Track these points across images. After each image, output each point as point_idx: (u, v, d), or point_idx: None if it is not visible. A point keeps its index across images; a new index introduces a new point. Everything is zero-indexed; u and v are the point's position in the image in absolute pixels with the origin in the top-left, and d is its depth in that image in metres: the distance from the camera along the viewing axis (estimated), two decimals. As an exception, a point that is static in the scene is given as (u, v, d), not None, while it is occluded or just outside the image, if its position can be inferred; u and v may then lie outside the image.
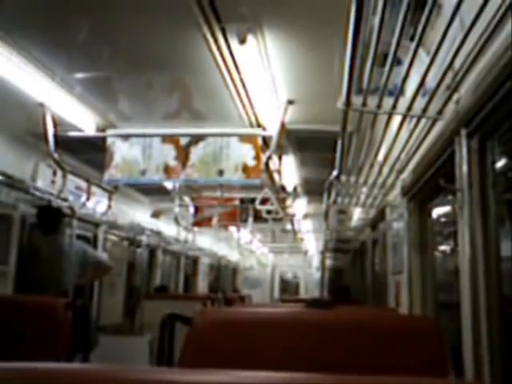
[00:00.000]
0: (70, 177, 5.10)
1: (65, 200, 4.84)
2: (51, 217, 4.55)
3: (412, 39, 1.78)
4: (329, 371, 0.74)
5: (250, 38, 2.72)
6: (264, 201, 6.16)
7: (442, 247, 3.47)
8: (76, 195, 5.45)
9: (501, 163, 2.12)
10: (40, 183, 4.76)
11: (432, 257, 3.32)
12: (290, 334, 1.54)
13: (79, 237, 5.17)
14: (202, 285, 11.56)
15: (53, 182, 4.94)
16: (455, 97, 2.04)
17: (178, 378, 0.75)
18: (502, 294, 1.96)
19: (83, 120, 4.01)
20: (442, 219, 3.39)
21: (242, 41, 2.69)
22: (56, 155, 4.00)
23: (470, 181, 2.02)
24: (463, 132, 2.04)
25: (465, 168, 2.04)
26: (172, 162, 4.14)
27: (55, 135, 3.79)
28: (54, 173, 4.91)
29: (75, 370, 0.78)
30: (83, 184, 5.65)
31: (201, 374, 0.76)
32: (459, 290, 2.14)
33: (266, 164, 3.94)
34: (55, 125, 3.77)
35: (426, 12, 1.56)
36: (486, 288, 1.94)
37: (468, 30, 1.58)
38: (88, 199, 5.71)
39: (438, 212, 3.37)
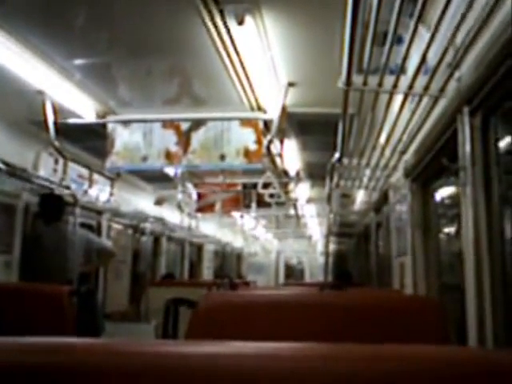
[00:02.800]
0: (72, 165, 5.10)
1: (67, 188, 4.84)
2: (53, 205, 4.56)
3: (411, 16, 1.76)
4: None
5: (248, 19, 2.68)
6: (266, 185, 6.15)
7: (446, 229, 3.47)
8: (78, 183, 5.45)
9: (504, 142, 2.10)
10: (42, 172, 4.76)
11: (436, 238, 3.32)
12: (301, 315, 1.54)
13: (83, 225, 5.18)
14: (207, 272, 11.60)
15: (55, 170, 4.93)
16: (457, 74, 2.02)
17: (181, 349, 0.75)
18: (505, 273, 1.95)
19: (83, 107, 4.00)
20: (446, 201, 3.38)
21: (240, 22, 2.66)
22: (57, 143, 4.00)
23: (473, 159, 2.00)
24: (465, 110, 2.02)
25: (467, 146, 2.02)
26: (173, 148, 4.13)
27: (55, 123, 3.79)
28: (56, 161, 4.91)
29: (79, 343, 0.78)
30: (85, 172, 5.64)
31: (205, 345, 0.76)
32: (463, 271, 2.14)
33: (268, 148, 3.92)
34: (55, 112, 3.76)
35: (426, -13, 1.53)
36: (490, 268, 1.93)
37: (469, 5, 1.56)
38: (90, 187, 5.71)
39: (441, 193, 3.35)
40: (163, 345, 0.80)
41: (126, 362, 0.71)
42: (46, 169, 4.83)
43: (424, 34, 1.94)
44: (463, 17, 1.62)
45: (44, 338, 0.77)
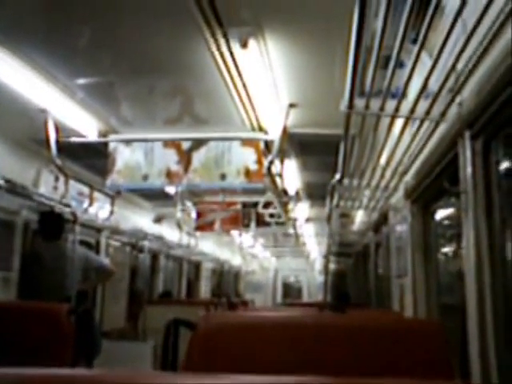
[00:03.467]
0: (72, 182, 5.10)
1: (67, 206, 4.84)
2: (53, 223, 4.55)
3: (414, 42, 1.78)
4: (338, 373, 0.74)
5: (252, 42, 2.71)
6: (266, 205, 6.16)
7: (446, 250, 3.46)
8: (78, 201, 5.45)
9: (505, 165, 2.12)
10: (42, 189, 4.76)
11: (436, 260, 3.32)
12: (301, 337, 1.53)
13: (82, 242, 5.16)
14: (205, 290, 11.54)
15: (55, 187, 4.93)
16: (458, 99, 2.04)
17: (181, 381, 0.75)
18: (508, 296, 1.95)
19: (85, 125, 4.01)
20: (446, 222, 3.38)
21: (244, 45, 2.69)
22: (58, 161, 4.00)
23: (475, 183, 2.02)
24: (467, 134, 2.03)
25: (469, 170, 2.03)
26: (174, 167, 4.14)
27: (57, 141, 3.79)
28: (57, 179, 4.91)
29: (77, 375, 0.77)
30: (85, 190, 5.65)
31: (204, 378, 0.75)
32: (465, 292, 2.14)
33: (268, 168, 3.93)
34: (57, 131, 3.77)
35: (429, 15, 1.56)
36: (492, 291, 1.93)
37: (470, 32, 1.58)
38: (90, 205, 5.70)
39: (441, 215, 3.36)
40: (161, 377, 0.79)
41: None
42: (47, 186, 4.83)
43: (426, 60, 1.97)
44: (465, 44, 1.64)
45: (40, 370, 0.76)
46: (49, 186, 4.87)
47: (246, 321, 1.68)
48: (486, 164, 2.02)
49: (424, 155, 2.72)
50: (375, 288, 6.20)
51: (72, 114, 3.80)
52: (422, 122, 2.30)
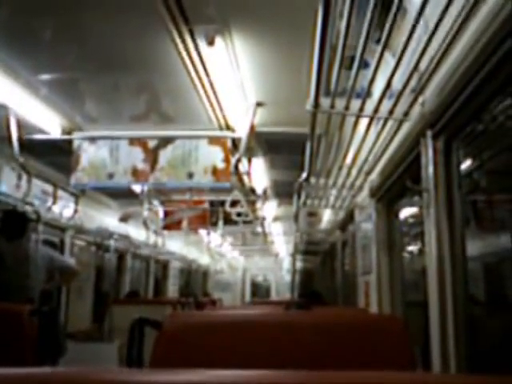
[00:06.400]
0: (36, 181, 4.99)
1: (30, 204, 4.73)
2: (16, 222, 4.44)
3: (378, 42, 1.81)
4: (302, 369, 0.75)
5: (218, 40, 2.71)
6: (234, 203, 6.16)
7: (410, 247, 3.53)
8: (42, 199, 5.34)
9: (465, 165, 2.17)
10: (4, 187, 4.64)
11: (400, 257, 3.38)
12: (267, 335, 1.53)
13: (46, 242, 5.06)
14: (173, 289, 11.47)
15: (17, 186, 4.82)
16: (421, 99, 2.08)
17: (145, 378, 0.74)
18: (467, 292, 2.00)
19: (49, 123, 3.94)
20: (410, 220, 3.45)
21: (210, 42, 2.68)
22: (21, 158, 3.92)
23: (436, 181, 2.06)
24: (429, 133, 2.08)
25: (430, 169, 2.08)
26: (140, 165, 4.10)
27: (19, 138, 3.71)
28: (19, 177, 4.80)
29: (39, 373, 0.76)
30: (49, 188, 5.54)
31: (169, 374, 0.75)
32: (427, 288, 2.18)
33: (236, 166, 3.94)
34: (19, 127, 3.69)
35: (392, 15, 1.59)
36: (453, 286, 1.98)
37: (432, 32, 1.61)
38: (54, 203, 5.60)
39: (405, 213, 3.42)
40: (124, 373, 0.79)
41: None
42: (9, 184, 4.72)
43: (389, 60, 2.00)
44: (427, 44, 1.68)
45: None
46: (11, 184, 4.76)
47: (211, 320, 1.68)
48: (447, 163, 2.07)
49: (388, 154, 2.77)
50: (342, 286, 6.27)
51: (35, 111, 3.72)
52: (385, 121, 2.33)
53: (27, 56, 3.08)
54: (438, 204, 2.05)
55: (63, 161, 4.52)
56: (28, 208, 4.69)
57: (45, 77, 3.36)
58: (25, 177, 4.69)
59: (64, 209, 5.94)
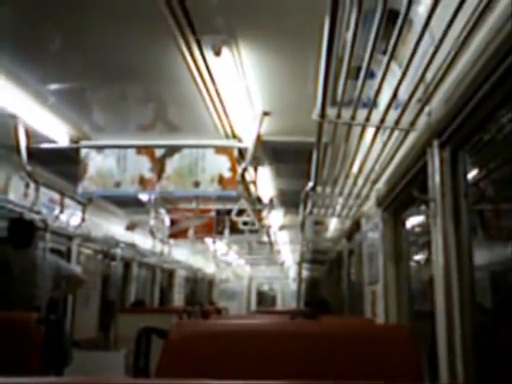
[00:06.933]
0: (43, 189, 5.02)
1: (38, 213, 4.76)
2: (23, 230, 4.46)
3: (384, 53, 1.82)
4: (309, 380, 0.75)
5: (225, 50, 2.73)
6: (240, 212, 6.16)
7: (417, 257, 3.52)
8: (49, 208, 5.37)
9: (472, 174, 2.17)
10: (12, 196, 4.67)
11: (407, 266, 3.36)
12: (273, 344, 1.53)
13: (52, 250, 5.08)
14: (178, 298, 11.46)
15: (25, 194, 4.85)
16: (427, 109, 2.09)
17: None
18: (474, 301, 1.99)
19: (57, 131, 3.96)
20: (416, 229, 3.44)
21: (217, 53, 2.70)
22: (29, 167, 3.94)
23: (443, 191, 2.06)
24: (435, 143, 2.08)
25: (437, 178, 2.08)
26: (147, 174, 4.12)
27: (28, 147, 3.74)
28: (27, 185, 4.83)
29: (45, 382, 0.76)
30: (56, 196, 5.56)
31: (175, 383, 0.75)
32: (433, 298, 2.18)
33: (242, 175, 3.95)
34: (28, 136, 3.72)
35: (398, 26, 1.60)
36: (460, 296, 1.97)
37: (438, 44, 1.62)
38: (61, 212, 5.62)
39: (412, 222, 3.41)
40: (131, 382, 0.79)
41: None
42: (17, 193, 4.75)
43: (396, 70, 2.01)
44: (433, 55, 1.69)
45: (7, 379, 0.74)
46: (19, 193, 4.78)
47: (217, 329, 1.68)
48: (454, 172, 2.07)
49: (394, 164, 2.77)
50: (348, 295, 6.25)
51: (43, 120, 3.75)
52: (392, 131, 2.34)
53: (36, 66, 3.11)
54: (445, 213, 2.05)
55: (71, 169, 4.55)
56: (35, 216, 4.71)
57: (53, 86, 3.40)
58: (32, 185, 4.72)
59: (71, 217, 5.97)
